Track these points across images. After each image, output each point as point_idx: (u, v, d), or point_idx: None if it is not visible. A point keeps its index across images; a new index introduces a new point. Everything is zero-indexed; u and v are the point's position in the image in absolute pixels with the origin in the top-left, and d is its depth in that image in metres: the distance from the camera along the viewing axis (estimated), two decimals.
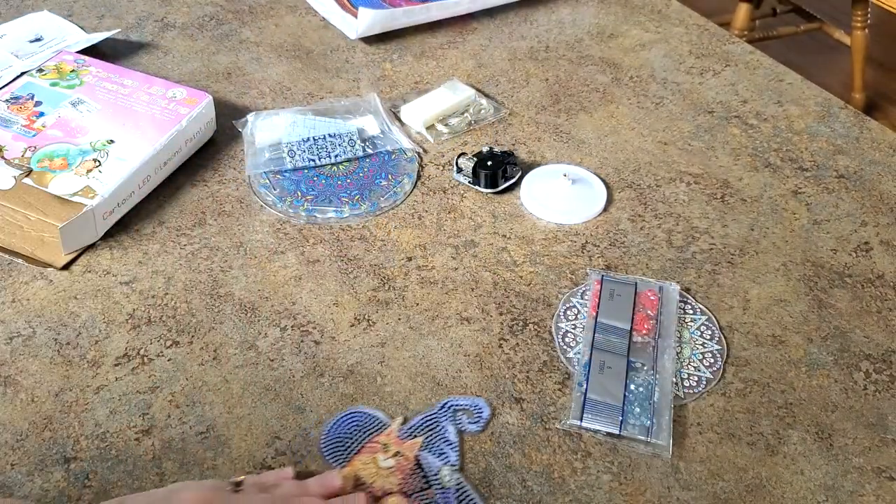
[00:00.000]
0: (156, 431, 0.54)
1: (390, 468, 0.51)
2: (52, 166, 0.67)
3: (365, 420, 0.54)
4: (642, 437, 0.53)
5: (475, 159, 0.72)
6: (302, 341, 0.59)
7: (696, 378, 0.58)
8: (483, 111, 0.81)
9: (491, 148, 0.74)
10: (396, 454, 0.52)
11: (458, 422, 0.54)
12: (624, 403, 0.55)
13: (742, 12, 1.97)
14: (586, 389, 0.56)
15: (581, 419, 0.54)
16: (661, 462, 0.53)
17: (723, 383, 0.58)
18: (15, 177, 0.66)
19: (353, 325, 0.61)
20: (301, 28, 0.93)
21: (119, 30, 0.89)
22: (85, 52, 0.82)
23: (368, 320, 0.61)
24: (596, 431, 0.54)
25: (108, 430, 0.54)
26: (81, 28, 0.89)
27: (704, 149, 0.79)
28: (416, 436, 0.53)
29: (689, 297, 0.64)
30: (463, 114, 0.81)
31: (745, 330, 0.61)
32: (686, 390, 0.57)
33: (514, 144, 0.78)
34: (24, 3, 0.94)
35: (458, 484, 0.51)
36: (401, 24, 0.92)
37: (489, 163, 0.72)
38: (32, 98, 0.73)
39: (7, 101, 0.73)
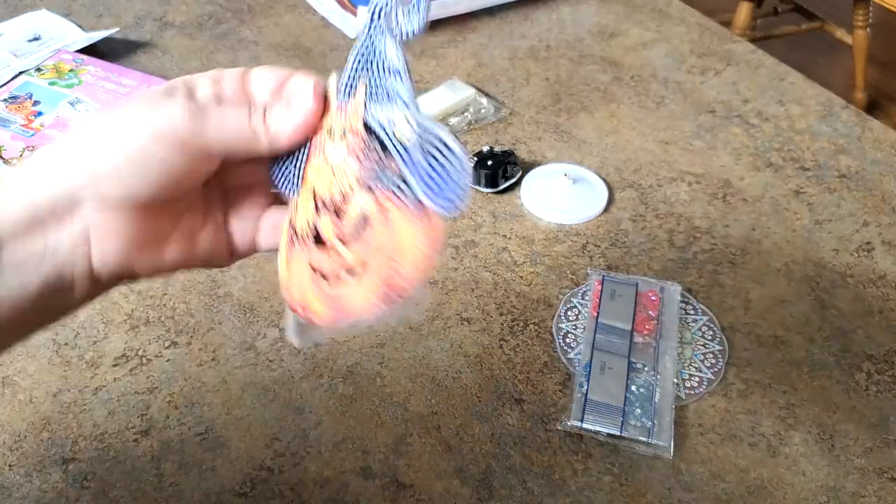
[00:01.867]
0: (154, 432, 0.53)
1: (343, 160, 0.36)
2: None
3: None
4: (643, 438, 0.53)
5: (475, 159, 0.72)
6: None
7: (697, 379, 0.57)
8: (483, 110, 0.81)
9: (491, 147, 0.73)
10: (344, 134, 0.36)
11: (394, 30, 0.36)
12: (625, 404, 0.55)
13: (743, 11, 1.96)
14: (587, 390, 0.55)
15: (582, 420, 0.54)
16: (663, 463, 0.53)
17: (724, 384, 0.57)
18: None
19: (352, 325, 0.60)
20: (300, 27, 0.93)
21: (118, 29, 0.89)
22: (83, 51, 0.82)
23: None
24: (597, 432, 0.54)
25: (107, 430, 0.53)
26: (80, 27, 0.89)
27: (706, 148, 0.78)
28: (353, 88, 0.36)
29: (691, 297, 0.63)
30: (463, 113, 0.80)
31: (746, 330, 0.61)
32: (687, 391, 0.57)
33: (514, 144, 0.78)
34: (23, 2, 0.94)
35: (420, 132, 0.34)
36: None
37: (489, 162, 0.71)
38: (31, 97, 0.73)
39: (5, 100, 0.73)
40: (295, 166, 0.37)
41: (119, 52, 0.87)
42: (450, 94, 0.81)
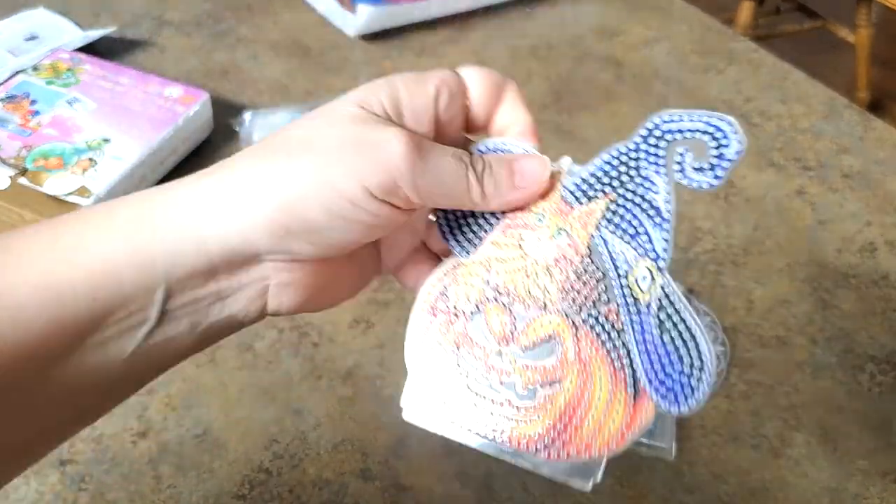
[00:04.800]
0: (152, 434, 0.53)
1: (545, 260, 0.31)
2: (47, 165, 0.66)
3: None
4: (645, 440, 0.53)
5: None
6: (300, 343, 0.59)
7: None
8: None
9: None
10: (560, 232, 0.31)
11: (674, 170, 0.30)
12: None
13: (746, 10, 1.96)
14: None
15: None
16: (664, 465, 0.52)
17: (726, 385, 0.57)
18: (10, 176, 0.65)
19: (351, 327, 0.60)
20: (299, 25, 0.93)
21: (115, 27, 0.88)
22: (81, 49, 0.82)
23: (367, 321, 0.60)
24: None
25: (104, 432, 0.53)
26: (78, 26, 0.88)
27: None
28: (592, 196, 0.31)
29: (693, 297, 0.63)
30: None
31: (749, 331, 0.61)
32: None
33: None
34: (20, 0, 0.93)
35: (664, 297, 0.29)
36: (400, 21, 0.91)
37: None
38: (28, 96, 0.73)
39: (2, 99, 0.72)
40: (472, 229, 0.32)
41: (117, 50, 0.86)
42: None
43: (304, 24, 0.93)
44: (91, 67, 0.76)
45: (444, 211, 0.33)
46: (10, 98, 0.72)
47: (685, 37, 0.93)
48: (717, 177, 0.29)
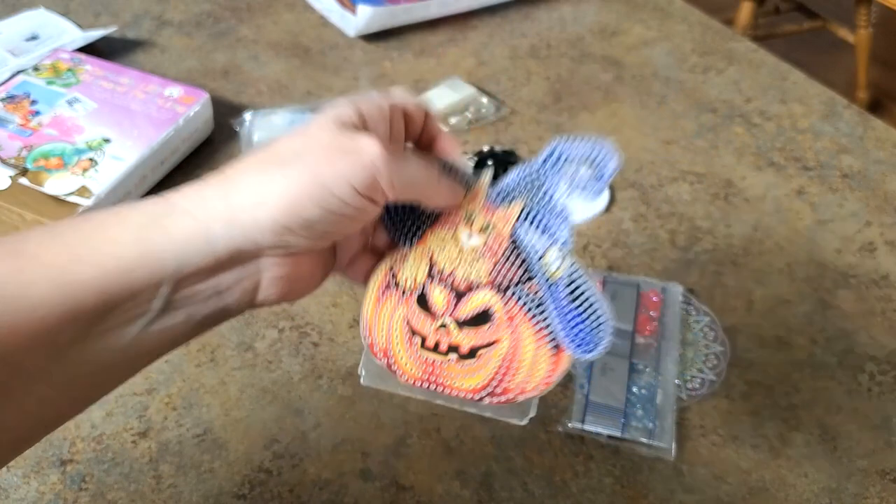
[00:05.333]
0: (152, 434, 0.53)
1: (476, 249, 0.39)
2: (47, 165, 0.66)
3: None
4: (645, 440, 0.53)
5: (476, 158, 0.71)
6: (300, 343, 0.59)
7: (699, 380, 0.57)
8: (483, 110, 0.81)
9: (492, 147, 0.73)
10: (486, 228, 0.39)
11: (571, 183, 0.38)
12: (626, 406, 0.54)
13: (745, 10, 1.96)
14: (588, 392, 0.55)
15: (583, 422, 0.53)
16: (664, 465, 0.52)
17: (726, 385, 0.57)
18: (11, 176, 0.65)
19: (352, 327, 0.60)
20: (299, 25, 0.93)
21: (115, 27, 0.88)
22: (81, 50, 0.82)
23: None
24: (598, 434, 0.53)
25: (105, 432, 0.53)
26: (78, 26, 0.88)
27: (708, 148, 0.78)
28: (511, 200, 0.39)
29: (693, 297, 0.63)
30: (463, 112, 0.80)
31: (748, 331, 0.61)
32: (689, 392, 0.56)
33: (515, 143, 0.77)
34: (21, 0, 0.93)
35: (570, 274, 0.38)
36: (400, 21, 0.91)
37: (490, 162, 0.71)
38: (28, 96, 0.73)
39: (3, 99, 0.72)
40: (414, 223, 0.40)
41: (117, 50, 0.86)
42: (450, 93, 0.81)
43: (304, 24, 0.93)
44: (91, 67, 0.76)
45: (388, 211, 0.40)
46: (11, 98, 0.72)
47: (685, 37, 0.93)
48: (599, 189, 0.38)
